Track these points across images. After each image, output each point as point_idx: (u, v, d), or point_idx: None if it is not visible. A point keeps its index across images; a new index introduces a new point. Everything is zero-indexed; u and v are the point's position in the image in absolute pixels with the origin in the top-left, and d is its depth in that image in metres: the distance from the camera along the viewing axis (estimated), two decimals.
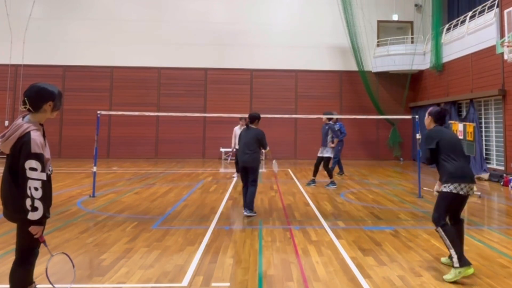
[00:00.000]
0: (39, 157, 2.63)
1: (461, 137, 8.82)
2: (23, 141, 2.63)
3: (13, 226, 5.68)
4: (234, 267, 4.11)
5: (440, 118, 4.23)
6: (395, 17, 18.14)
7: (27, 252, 2.83)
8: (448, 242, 3.81)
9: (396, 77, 17.60)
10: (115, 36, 17.47)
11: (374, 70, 17.55)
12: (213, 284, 3.68)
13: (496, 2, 12.07)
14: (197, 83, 17.59)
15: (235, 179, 10.72)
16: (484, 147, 12.57)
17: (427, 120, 4.31)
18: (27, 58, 17.05)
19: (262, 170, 13.25)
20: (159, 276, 3.84)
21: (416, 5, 18.13)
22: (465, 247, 4.80)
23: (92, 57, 17.32)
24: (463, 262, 3.73)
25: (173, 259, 4.35)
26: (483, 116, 12.92)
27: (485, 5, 12.67)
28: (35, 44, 17.12)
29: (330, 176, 9.68)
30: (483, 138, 12.70)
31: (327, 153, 9.62)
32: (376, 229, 5.72)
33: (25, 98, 2.75)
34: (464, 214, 6.84)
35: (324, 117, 9.93)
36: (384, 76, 17.72)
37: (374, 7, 17.94)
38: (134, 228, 5.61)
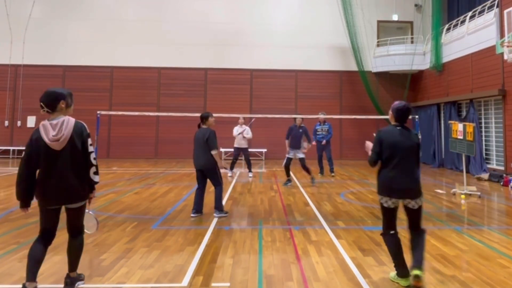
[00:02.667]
0: (90, 136, 3.45)
1: (460, 137, 8.81)
2: (80, 126, 3.38)
3: (13, 227, 5.70)
4: (234, 267, 4.12)
5: (399, 115, 3.76)
6: (395, 17, 18.14)
7: (82, 225, 3.59)
8: (388, 251, 3.76)
9: (396, 77, 17.60)
10: (115, 36, 17.47)
11: (374, 70, 17.55)
12: (213, 284, 3.68)
13: (496, 2, 12.07)
14: (197, 83, 17.59)
15: (229, 176, 10.94)
16: (484, 147, 12.57)
17: (389, 116, 3.90)
18: (27, 58, 17.05)
19: (262, 170, 13.25)
20: (159, 276, 3.85)
21: (416, 5, 18.13)
22: (465, 247, 4.82)
23: (92, 57, 17.32)
24: (399, 273, 3.65)
25: (173, 259, 4.35)
26: (483, 116, 12.92)
27: (485, 5, 12.67)
28: (35, 44, 17.12)
29: (310, 172, 9.73)
30: (483, 138, 12.70)
31: (301, 155, 9.66)
32: (376, 229, 5.71)
33: (41, 103, 3.35)
34: (464, 214, 6.85)
35: (298, 117, 9.91)
36: (384, 76, 17.72)
37: (374, 7, 17.94)
38: (134, 228, 5.61)
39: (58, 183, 3.25)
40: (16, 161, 15.36)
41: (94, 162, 3.40)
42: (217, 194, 6.40)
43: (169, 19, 17.68)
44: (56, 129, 3.25)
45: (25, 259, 4.23)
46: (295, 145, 9.62)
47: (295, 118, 9.88)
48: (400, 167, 3.62)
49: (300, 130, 9.67)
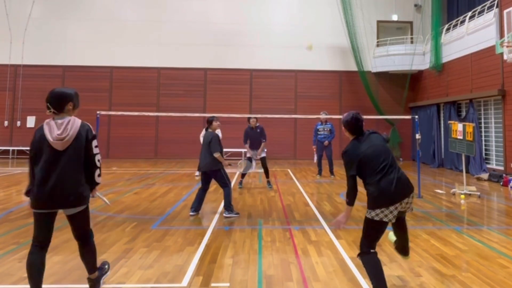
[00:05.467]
0: (97, 137, 3.36)
1: (460, 137, 8.82)
2: (86, 128, 3.28)
3: (12, 227, 5.69)
4: (233, 267, 4.11)
5: (354, 128, 3.49)
6: (394, 17, 18.14)
7: (90, 230, 3.38)
8: (369, 273, 3.24)
9: (395, 77, 17.60)
10: (115, 36, 17.47)
11: (374, 70, 17.55)
12: (213, 284, 3.68)
13: (496, 2, 12.07)
14: (196, 83, 17.59)
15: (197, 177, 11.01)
16: (483, 147, 12.57)
17: (345, 132, 3.63)
18: (26, 58, 17.04)
19: (262, 170, 13.22)
20: (159, 276, 3.84)
21: (415, 5, 18.13)
22: (464, 247, 4.83)
23: (92, 57, 17.31)
24: None
25: (173, 259, 4.34)
26: (482, 116, 12.93)
27: (485, 5, 12.67)
28: (35, 44, 17.11)
29: (268, 175, 9.70)
30: (483, 138, 12.70)
31: (263, 154, 9.65)
32: None
33: (48, 104, 3.19)
34: (464, 214, 6.85)
35: (253, 116, 9.78)
36: (384, 76, 17.72)
37: (374, 7, 17.95)
38: (134, 228, 5.60)
39: (56, 185, 3.07)
40: (15, 161, 15.35)
41: (98, 164, 3.29)
42: (225, 194, 6.46)
43: (169, 19, 17.68)
44: (61, 128, 3.14)
45: (25, 259, 4.24)
46: (256, 146, 9.61)
47: (249, 119, 9.81)
48: (388, 173, 3.28)
49: (258, 130, 9.68)
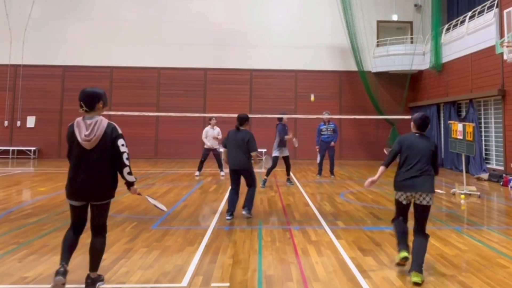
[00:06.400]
0: (123, 136, 3.51)
1: (460, 137, 8.82)
2: (112, 127, 3.46)
3: (12, 227, 5.69)
4: (233, 267, 4.11)
5: (419, 124, 4.18)
6: (394, 17, 18.14)
7: (105, 224, 3.65)
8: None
9: (395, 77, 17.60)
10: (115, 36, 17.46)
11: (374, 70, 17.55)
12: (213, 284, 3.68)
13: (496, 2, 12.08)
14: (196, 83, 17.59)
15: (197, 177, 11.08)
16: (483, 147, 12.57)
17: (412, 127, 4.31)
18: (26, 58, 17.04)
19: (262, 170, 13.23)
20: (159, 276, 3.84)
21: (415, 5, 18.13)
22: (464, 247, 4.84)
23: (92, 57, 17.30)
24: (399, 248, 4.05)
25: (173, 259, 4.35)
26: (482, 116, 12.93)
27: (485, 5, 12.67)
28: (35, 44, 17.10)
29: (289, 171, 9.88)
30: (483, 138, 12.70)
31: (287, 152, 9.73)
32: (375, 229, 5.71)
33: (81, 102, 3.43)
34: (464, 214, 6.85)
35: (285, 116, 9.90)
36: (384, 76, 17.72)
37: (374, 7, 17.94)
38: (134, 228, 5.60)
39: (84, 180, 3.37)
40: (16, 161, 15.35)
41: (127, 162, 3.45)
42: (250, 194, 6.42)
43: (169, 19, 17.67)
44: (89, 129, 3.36)
45: (25, 259, 4.26)
46: (284, 144, 9.66)
47: (281, 118, 9.82)
48: (412, 171, 4.04)
49: (286, 128, 9.70)
